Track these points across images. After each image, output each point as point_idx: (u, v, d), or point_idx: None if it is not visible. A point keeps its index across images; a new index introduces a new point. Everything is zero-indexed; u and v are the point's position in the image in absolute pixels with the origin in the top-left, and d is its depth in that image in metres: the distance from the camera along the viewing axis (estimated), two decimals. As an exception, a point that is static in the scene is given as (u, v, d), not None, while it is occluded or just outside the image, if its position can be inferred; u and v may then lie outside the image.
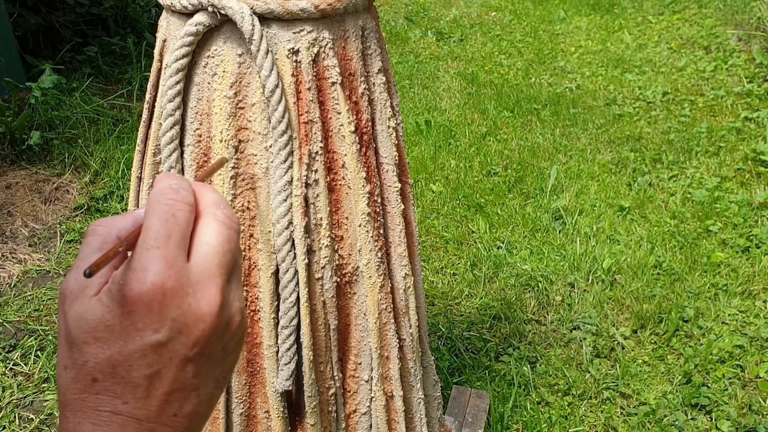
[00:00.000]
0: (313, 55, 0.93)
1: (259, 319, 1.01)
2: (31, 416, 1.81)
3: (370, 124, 1.01)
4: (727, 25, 4.61)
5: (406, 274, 1.08)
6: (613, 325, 2.15)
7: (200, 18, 0.91)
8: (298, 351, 0.99)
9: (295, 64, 0.92)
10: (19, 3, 3.57)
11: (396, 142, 1.06)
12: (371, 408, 1.10)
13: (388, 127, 1.04)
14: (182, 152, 0.98)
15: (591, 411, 1.86)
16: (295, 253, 0.96)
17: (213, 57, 0.94)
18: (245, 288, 1.00)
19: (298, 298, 0.97)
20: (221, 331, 0.40)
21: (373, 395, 1.09)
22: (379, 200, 1.04)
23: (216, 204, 0.42)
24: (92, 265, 0.36)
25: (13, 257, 2.46)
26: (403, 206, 1.08)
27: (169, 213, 0.39)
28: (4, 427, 1.78)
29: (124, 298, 0.37)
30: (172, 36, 0.97)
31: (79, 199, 2.79)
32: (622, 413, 1.85)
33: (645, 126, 3.45)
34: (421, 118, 3.54)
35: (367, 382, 1.09)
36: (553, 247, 2.53)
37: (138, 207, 1.07)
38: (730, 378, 1.93)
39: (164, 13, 1.00)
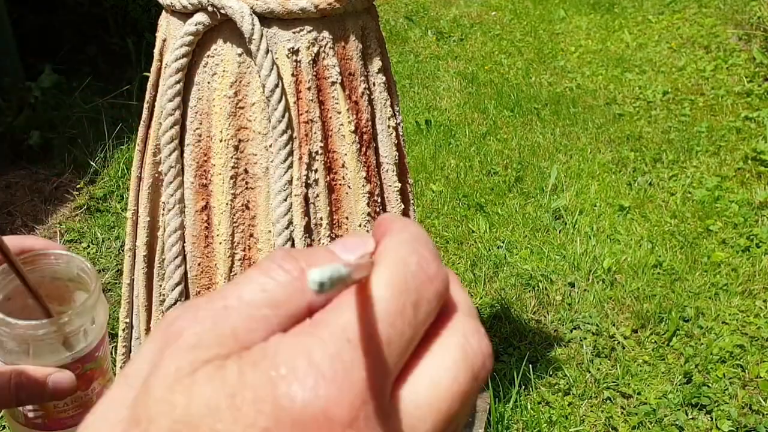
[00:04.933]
0: (313, 55, 0.93)
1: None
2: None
3: (370, 123, 1.01)
4: (727, 24, 4.61)
5: (406, 273, 1.08)
6: (614, 325, 2.15)
7: (200, 18, 0.91)
8: (298, 351, 0.99)
9: (295, 63, 0.92)
10: (19, 3, 3.57)
11: (396, 142, 1.06)
12: (371, 408, 1.09)
13: (388, 126, 1.04)
14: (182, 152, 0.98)
15: (591, 411, 1.86)
16: (295, 253, 0.96)
17: (213, 56, 0.94)
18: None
19: (298, 298, 0.97)
20: None
21: (373, 395, 1.08)
22: (379, 200, 1.04)
23: (469, 316, 0.25)
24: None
25: (13, 257, 2.45)
26: (403, 206, 1.07)
27: (410, 300, 0.22)
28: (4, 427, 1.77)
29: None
30: (172, 36, 0.97)
31: (79, 199, 2.79)
32: (622, 413, 1.85)
33: (645, 125, 3.45)
34: (421, 118, 3.53)
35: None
36: (553, 246, 2.52)
37: (138, 207, 1.07)
38: (730, 378, 1.93)
39: (164, 12, 1.00)
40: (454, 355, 0.23)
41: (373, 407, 0.21)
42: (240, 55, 0.93)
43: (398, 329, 0.22)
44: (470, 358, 0.23)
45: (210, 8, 0.90)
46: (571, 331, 2.13)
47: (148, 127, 1.05)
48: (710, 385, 1.90)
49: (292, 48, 0.92)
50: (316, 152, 0.95)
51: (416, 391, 0.22)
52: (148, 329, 1.10)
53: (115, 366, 1.26)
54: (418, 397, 0.22)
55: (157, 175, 1.02)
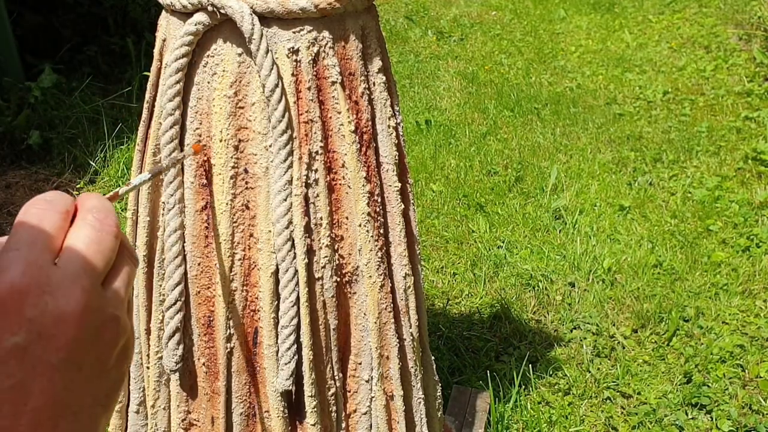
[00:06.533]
0: (313, 55, 0.93)
1: (259, 318, 1.00)
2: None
3: (370, 123, 1.01)
4: (727, 24, 4.61)
5: (406, 273, 1.08)
6: (614, 325, 2.15)
7: (200, 17, 0.91)
8: (298, 351, 0.99)
9: (294, 63, 0.92)
10: (19, 2, 3.57)
11: (396, 142, 1.06)
12: (371, 408, 1.10)
13: (388, 126, 1.04)
14: (182, 152, 0.98)
15: (591, 410, 1.86)
16: (295, 253, 0.96)
17: (213, 56, 0.94)
18: (245, 287, 1.00)
19: (298, 298, 0.97)
20: (90, 336, 0.37)
21: (373, 395, 1.08)
22: (380, 200, 1.04)
23: (90, 209, 0.40)
24: None
25: (13, 257, 2.45)
26: (403, 206, 1.07)
27: (35, 219, 0.38)
28: None
29: None
30: (172, 35, 0.97)
31: (79, 198, 2.79)
32: (622, 413, 1.85)
33: (645, 125, 3.45)
34: (422, 118, 3.53)
35: (367, 381, 1.09)
36: (553, 246, 2.52)
37: (138, 207, 1.07)
38: (730, 377, 1.93)
39: (164, 12, 1.00)
40: (81, 228, 0.39)
41: (38, 267, 0.36)
42: (240, 54, 0.92)
43: (37, 233, 0.37)
44: (89, 221, 0.39)
45: (210, 8, 0.90)
46: (571, 331, 2.13)
47: (148, 126, 1.04)
48: (710, 385, 1.90)
49: (292, 48, 0.92)
50: (316, 152, 0.95)
51: (65, 253, 0.37)
52: (148, 329, 1.10)
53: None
54: (67, 254, 0.37)
55: (157, 174, 1.02)
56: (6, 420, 0.34)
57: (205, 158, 0.97)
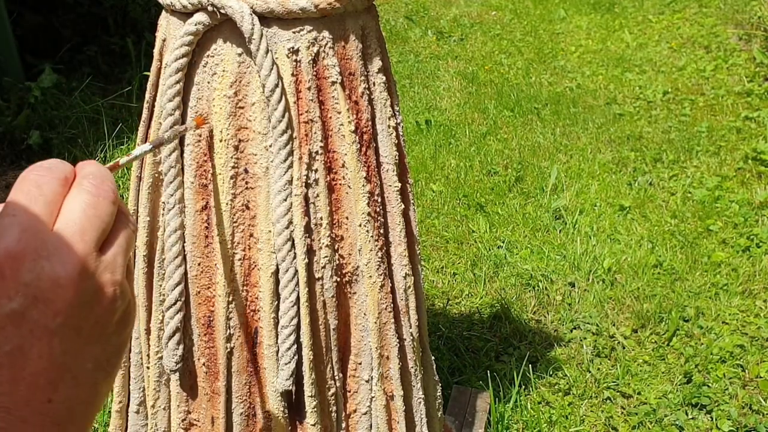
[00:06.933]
0: (313, 55, 0.93)
1: (259, 318, 1.00)
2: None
3: (370, 123, 1.01)
4: (727, 24, 4.61)
5: (406, 273, 1.08)
6: (614, 325, 2.15)
7: (200, 17, 0.91)
8: (298, 351, 0.99)
9: (294, 63, 0.92)
10: (19, 2, 3.57)
11: (396, 142, 1.06)
12: (371, 408, 1.09)
13: (389, 126, 1.04)
14: (182, 152, 0.98)
15: (591, 410, 1.86)
16: (295, 253, 0.96)
17: (213, 56, 0.94)
18: (245, 287, 1.00)
19: (298, 298, 0.97)
20: (88, 300, 0.37)
21: (373, 395, 1.08)
22: (380, 200, 1.04)
23: (87, 175, 0.40)
24: None
25: (13, 257, 2.46)
26: (403, 206, 1.07)
27: (33, 185, 0.38)
28: None
29: None
30: (172, 35, 0.97)
31: (79, 198, 2.79)
32: (622, 413, 1.85)
33: (645, 125, 3.45)
34: (422, 118, 3.53)
35: (367, 381, 1.08)
36: (553, 246, 2.52)
37: (138, 207, 1.07)
38: (730, 377, 1.93)
39: (164, 12, 1.00)
40: (78, 193, 0.39)
41: (34, 231, 0.36)
42: (240, 54, 0.92)
43: (34, 198, 0.37)
44: (85, 187, 0.39)
45: (210, 8, 0.90)
46: (571, 331, 2.13)
47: (148, 127, 1.04)
48: (710, 385, 1.90)
49: (292, 48, 0.92)
50: (316, 152, 0.95)
51: (62, 218, 0.37)
52: (148, 329, 1.10)
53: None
54: (63, 218, 0.37)
55: (157, 174, 1.02)
56: (5, 386, 0.34)
57: (205, 158, 0.97)
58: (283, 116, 0.91)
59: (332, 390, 1.06)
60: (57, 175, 0.39)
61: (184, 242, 1.00)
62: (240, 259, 0.99)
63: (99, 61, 3.81)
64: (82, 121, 3.19)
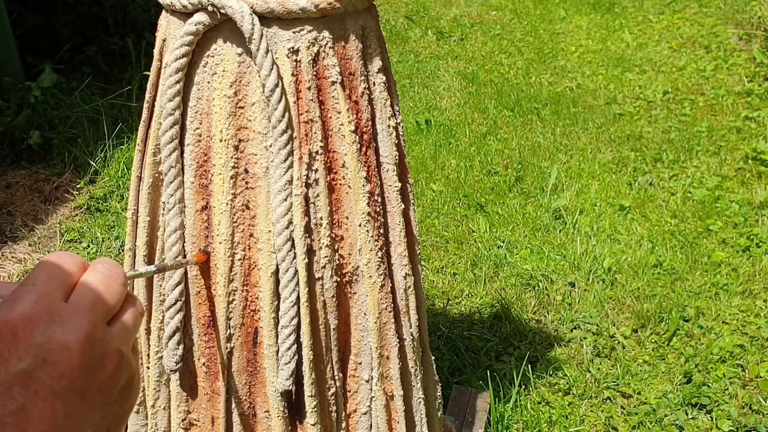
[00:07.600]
0: (313, 55, 0.93)
1: (259, 318, 1.00)
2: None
3: (370, 123, 1.01)
4: (727, 24, 4.61)
5: (406, 273, 1.08)
6: (614, 325, 2.15)
7: (200, 17, 0.91)
8: (298, 351, 0.99)
9: (294, 63, 0.92)
10: (19, 2, 3.57)
11: (396, 142, 1.06)
12: (371, 408, 1.09)
13: (389, 126, 1.04)
14: (182, 152, 0.98)
15: (591, 410, 1.86)
16: (295, 253, 0.96)
17: (213, 56, 0.94)
18: (245, 287, 1.00)
19: (298, 298, 0.97)
20: (93, 365, 0.39)
21: (373, 395, 1.08)
22: (380, 200, 1.04)
23: (101, 261, 0.44)
24: None
25: (12, 257, 2.46)
26: (403, 206, 1.07)
27: (53, 263, 0.41)
28: None
29: None
30: (172, 35, 0.97)
31: (79, 198, 2.79)
32: (622, 413, 1.85)
33: (645, 125, 3.45)
34: (422, 118, 3.53)
35: (367, 381, 1.08)
36: (553, 246, 2.52)
37: (138, 207, 1.07)
38: (730, 377, 1.93)
39: (164, 12, 1.00)
40: (92, 273, 0.43)
41: (50, 300, 0.39)
42: (240, 54, 0.92)
43: (54, 272, 0.41)
44: (98, 269, 0.43)
45: (210, 8, 0.90)
46: (571, 331, 2.13)
47: (148, 126, 1.04)
48: (710, 384, 1.90)
49: (292, 48, 0.92)
50: (316, 152, 0.95)
51: (76, 291, 0.41)
52: (148, 329, 1.10)
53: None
54: (78, 291, 0.41)
55: (157, 175, 1.02)
56: None
57: (206, 158, 0.97)
58: (283, 116, 0.91)
59: (332, 390, 1.06)
60: (75, 260, 0.43)
61: (184, 242, 1.00)
62: (240, 259, 0.99)
63: (99, 61, 3.81)
64: (82, 121, 3.19)
